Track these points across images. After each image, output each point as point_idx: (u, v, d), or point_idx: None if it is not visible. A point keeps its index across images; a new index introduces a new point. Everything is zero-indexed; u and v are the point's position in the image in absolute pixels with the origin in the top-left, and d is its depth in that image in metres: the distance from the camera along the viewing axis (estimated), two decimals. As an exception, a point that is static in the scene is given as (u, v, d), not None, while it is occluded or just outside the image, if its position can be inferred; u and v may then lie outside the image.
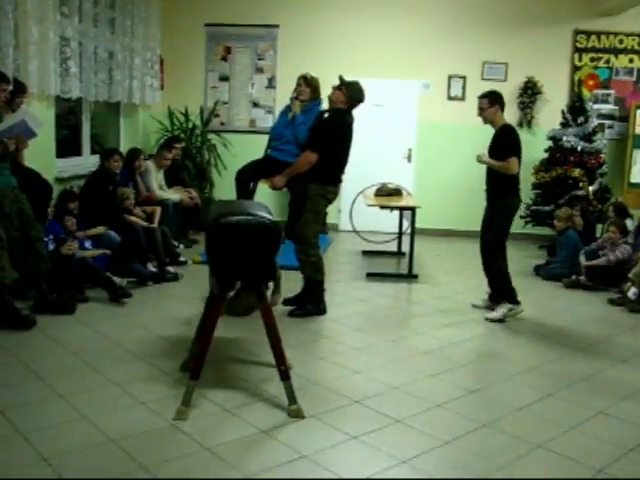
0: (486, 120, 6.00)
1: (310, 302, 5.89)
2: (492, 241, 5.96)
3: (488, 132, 6.10)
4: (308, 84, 6.07)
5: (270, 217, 3.79)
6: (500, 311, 5.93)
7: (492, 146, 5.98)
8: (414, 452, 3.46)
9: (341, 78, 5.85)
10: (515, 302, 5.98)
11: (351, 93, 5.81)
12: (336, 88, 5.83)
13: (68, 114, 8.78)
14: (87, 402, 3.90)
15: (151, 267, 6.92)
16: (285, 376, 3.84)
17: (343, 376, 4.48)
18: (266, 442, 3.53)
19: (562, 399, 4.25)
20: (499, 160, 5.82)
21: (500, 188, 5.93)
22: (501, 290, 6.04)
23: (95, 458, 3.27)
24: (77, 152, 8.22)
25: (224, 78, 10.29)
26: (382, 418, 3.86)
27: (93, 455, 3.30)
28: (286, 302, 6.00)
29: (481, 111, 5.97)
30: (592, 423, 3.91)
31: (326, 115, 5.88)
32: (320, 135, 5.74)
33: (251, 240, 3.67)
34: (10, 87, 5.30)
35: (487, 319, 5.91)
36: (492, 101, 5.91)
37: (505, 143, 5.87)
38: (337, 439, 3.58)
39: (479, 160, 5.99)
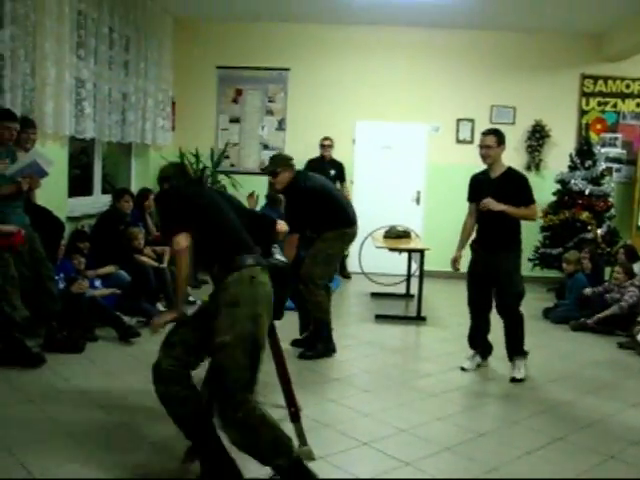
0: (490, 160, 5.49)
1: (319, 342, 5.89)
2: (519, 294, 5.57)
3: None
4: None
5: (283, 259, 3.82)
6: (523, 369, 5.50)
7: (499, 191, 5.39)
8: (423, 496, 3.45)
9: (266, 169, 5.89)
10: (526, 355, 5.60)
11: (282, 162, 5.80)
12: (274, 176, 5.75)
13: (80, 154, 8.89)
14: (95, 441, 3.90)
15: (160, 307, 6.95)
16: (295, 417, 3.83)
17: (352, 418, 4.47)
18: (275, 484, 3.51)
19: (571, 443, 4.22)
20: (515, 206, 5.36)
21: (509, 237, 5.50)
22: (518, 342, 5.57)
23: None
24: (88, 191, 8.30)
25: (235, 120, 10.41)
26: (391, 461, 3.85)
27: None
28: (295, 343, 6.00)
29: (487, 149, 5.46)
30: (602, 468, 3.87)
31: (290, 194, 5.84)
32: (295, 213, 5.68)
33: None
34: (17, 126, 5.36)
35: (515, 379, 5.40)
36: (500, 140, 5.48)
37: (525, 189, 5.44)
38: (346, 481, 3.57)
39: (489, 207, 5.35)
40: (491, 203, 5.36)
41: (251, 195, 7.35)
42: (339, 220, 5.87)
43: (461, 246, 5.81)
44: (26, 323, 5.42)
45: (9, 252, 5.15)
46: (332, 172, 9.60)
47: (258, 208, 7.56)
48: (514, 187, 5.44)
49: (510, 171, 5.57)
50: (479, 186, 5.65)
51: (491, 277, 5.51)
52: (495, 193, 5.40)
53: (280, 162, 5.80)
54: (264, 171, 5.89)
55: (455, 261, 5.79)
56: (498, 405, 5.03)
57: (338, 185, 9.66)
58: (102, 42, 7.60)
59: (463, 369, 5.68)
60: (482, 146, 5.51)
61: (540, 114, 10.05)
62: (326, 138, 9.75)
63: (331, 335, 5.92)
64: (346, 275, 9.79)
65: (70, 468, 3.54)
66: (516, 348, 5.57)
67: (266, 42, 10.19)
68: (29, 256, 5.51)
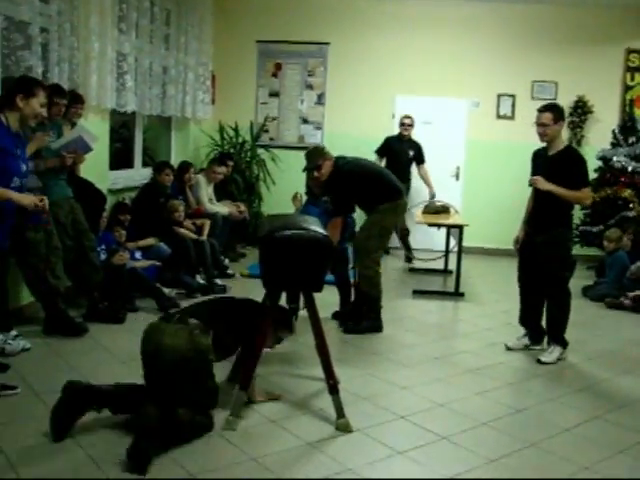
0: (547, 138, 5.19)
1: (366, 319, 5.87)
2: (567, 277, 5.37)
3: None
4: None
5: (322, 231, 3.85)
6: (555, 354, 5.33)
7: (553, 170, 5.16)
8: (459, 469, 3.47)
9: (308, 166, 5.80)
10: (566, 345, 5.41)
11: (320, 154, 5.78)
12: (319, 169, 5.71)
13: (121, 127, 8.96)
14: (137, 410, 3.97)
15: (199, 279, 7.02)
16: (333, 390, 3.87)
17: (390, 392, 4.49)
18: (313, 454, 3.56)
19: (609, 422, 4.21)
20: (568, 188, 5.09)
21: (559, 216, 5.24)
22: (558, 328, 5.37)
23: (145, 464, 3.34)
24: (129, 164, 8.38)
25: (274, 94, 10.41)
26: (428, 434, 3.87)
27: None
28: (335, 316, 6.02)
29: (544, 127, 5.15)
30: (641, 447, 3.87)
31: (334, 179, 5.77)
32: (341, 197, 5.75)
33: (304, 253, 3.73)
34: (65, 101, 5.46)
35: (541, 362, 5.28)
36: (557, 117, 5.15)
37: (580, 171, 5.16)
38: (383, 454, 3.60)
39: (537, 186, 5.21)
40: (539, 182, 5.18)
41: (295, 197, 7.29)
42: (390, 192, 5.82)
43: (524, 225, 5.59)
44: (68, 293, 5.54)
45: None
46: (411, 153, 9.32)
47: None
48: (569, 167, 5.15)
49: (567, 150, 5.30)
50: (537, 162, 5.45)
51: (535, 259, 5.36)
52: (549, 171, 5.18)
53: (318, 155, 5.78)
54: (306, 169, 5.86)
55: (517, 241, 5.61)
56: (536, 382, 4.99)
57: (414, 167, 9.42)
58: (143, 16, 7.62)
59: (507, 347, 5.61)
60: (538, 124, 5.19)
61: (583, 90, 9.88)
62: (407, 117, 9.44)
63: (380, 311, 5.92)
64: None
65: (109, 437, 3.61)
66: (555, 334, 5.40)
67: (306, 16, 10.15)
68: (72, 227, 5.61)
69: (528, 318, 5.62)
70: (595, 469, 3.54)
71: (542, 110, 5.22)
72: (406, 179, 8.96)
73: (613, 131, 9.38)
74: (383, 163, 9.05)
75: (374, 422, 3.99)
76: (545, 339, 5.59)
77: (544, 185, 5.15)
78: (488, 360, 5.31)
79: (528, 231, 5.47)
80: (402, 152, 9.22)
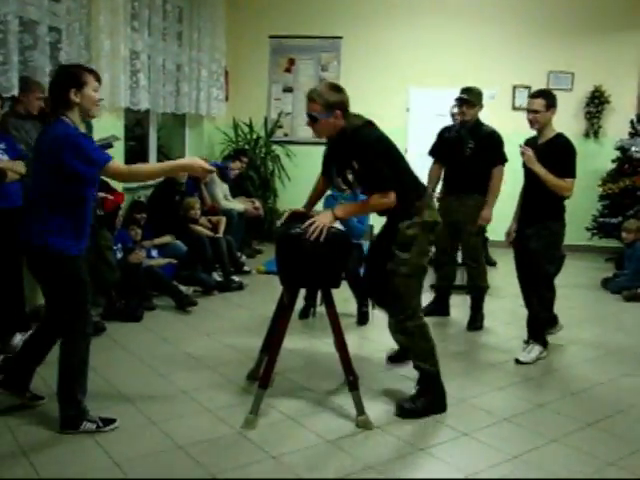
0: (538, 125, 5.00)
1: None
2: (551, 273, 5.16)
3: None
4: None
5: (339, 227, 3.81)
6: (534, 353, 5.11)
7: (542, 158, 4.90)
8: (481, 466, 3.42)
9: (463, 96, 5.98)
10: (546, 344, 5.23)
11: (479, 97, 6.01)
12: (471, 106, 5.96)
13: (135, 125, 8.97)
14: (155, 408, 3.96)
15: (216, 276, 7.01)
16: (353, 386, 3.83)
17: (410, 388, 4.42)
18: (332, 452, 3.52)
19: (635, 417, 4.14)
20: (553, 174, 4.88)
21: (550, 209, 5.00)
22: (537, 327, 5.20)
23: (163, 464, 3.33)
24: (144, 162, 8.35)
25: (288, 89, 10.37)
26: (449, 431, 3.83)
27: (161, 460, 3.36)
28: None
29: (534, 114, 4.94)
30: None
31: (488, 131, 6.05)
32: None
33: (320, 250, 3.69)
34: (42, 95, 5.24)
35: (519, 361, 5.05)
36: (550, 104, 4.94)
37: (568, 160, 4.91)
38: (404, 451, 3.57)
39: (526, 161, 4.98)
40: (528, 155, 4.93)
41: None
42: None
43: (516, 217, 5.42)
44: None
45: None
46: None
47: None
48: (558, 155, 4.93)
49: (557, 138, 5.02)
50: None
51: (523, 252, 5.17)
52: (538, 159, 4.91)
53: (479, 98, 5.90)
54: (460, 99, 5.95)
55: (509, 234, 5.39)
56: (556, 376, 4.92)
57: None
58: (156, 13, 7.61)
59: (525, 341, 5.37)
60: (529, 110, 4.99)
61: (600, 79, 9.77)
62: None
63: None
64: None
65: (131, 435, 3.61)
66: (534, 332, 5.21)
67: (318, 10, 10.10)
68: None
69: None
70: (620, 464, 3.48)
71: (534, 96, 5.05)
72: None
73: (631, 121, 9.25)
74: None
75: (394, 419, 3.95)
76: (559, 322, 5.54)
77: (531, 160, 4.92)
78: (507, 355, 5.24)
79: (520, 224, 5.27)
80: None
